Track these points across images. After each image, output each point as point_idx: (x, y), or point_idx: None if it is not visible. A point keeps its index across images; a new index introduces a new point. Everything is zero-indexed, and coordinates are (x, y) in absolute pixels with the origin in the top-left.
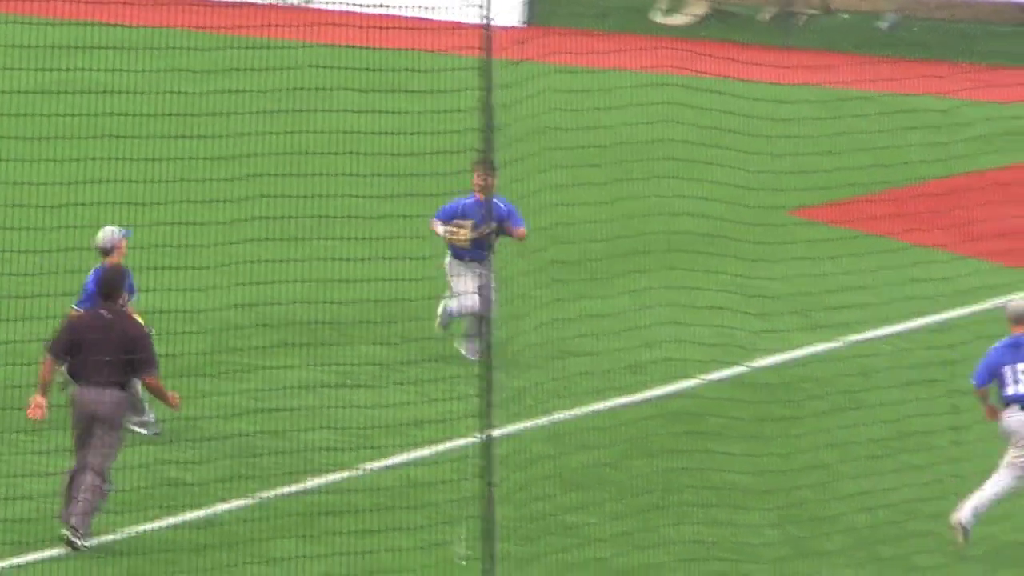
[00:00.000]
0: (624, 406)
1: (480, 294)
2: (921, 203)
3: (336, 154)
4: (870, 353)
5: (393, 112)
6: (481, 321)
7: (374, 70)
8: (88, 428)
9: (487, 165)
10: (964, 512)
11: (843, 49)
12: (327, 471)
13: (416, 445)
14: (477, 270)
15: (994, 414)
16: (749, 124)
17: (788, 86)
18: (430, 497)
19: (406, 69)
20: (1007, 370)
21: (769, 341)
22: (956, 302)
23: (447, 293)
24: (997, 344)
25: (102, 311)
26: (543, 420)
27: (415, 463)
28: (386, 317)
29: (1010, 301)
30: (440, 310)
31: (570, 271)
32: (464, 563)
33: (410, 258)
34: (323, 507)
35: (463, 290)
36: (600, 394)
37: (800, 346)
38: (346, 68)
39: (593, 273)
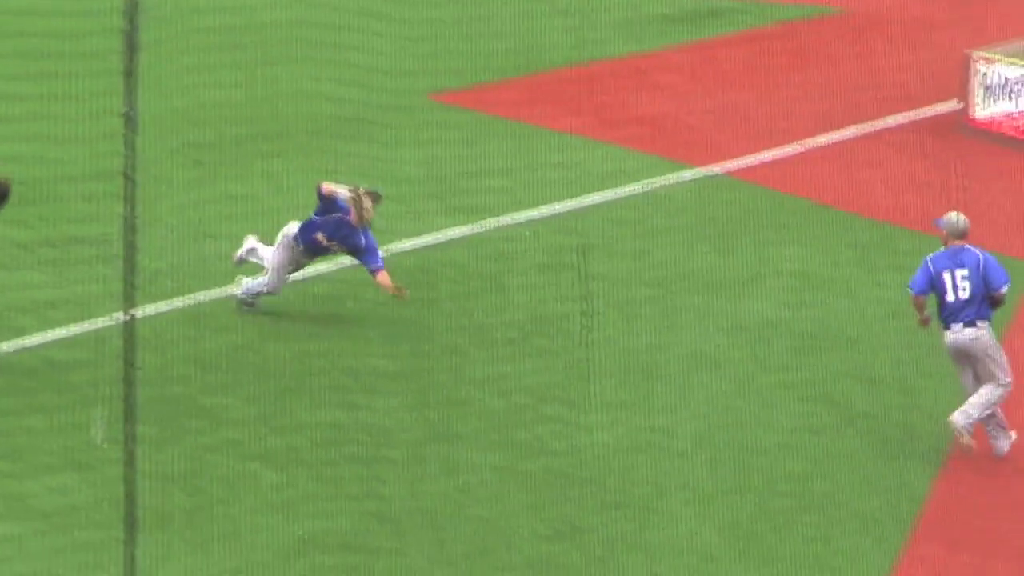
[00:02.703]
0: None
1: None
2: (558, 88)
3: None
4: (507, 237)
5: None
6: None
7: None
8: None
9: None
10: (956, 416)
11: None
12: None
13: (54, 326)
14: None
15: (928, 323)
16: (386, 7)
17: None
18: (69, 379)
19: None
20: (947, 276)
21: (407, 224)
22: (591, 187)
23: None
24: (934, 254)
25: None
26: (182, 302)
27: (53, 344)
28: (23, 199)
29: (946, 217)
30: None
31: (208, 153)
32: (104, 446)
33: (45, 139)
34: None
35: (278, 267)
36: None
37: (438, 230)
38: None
39: (230, 156)
